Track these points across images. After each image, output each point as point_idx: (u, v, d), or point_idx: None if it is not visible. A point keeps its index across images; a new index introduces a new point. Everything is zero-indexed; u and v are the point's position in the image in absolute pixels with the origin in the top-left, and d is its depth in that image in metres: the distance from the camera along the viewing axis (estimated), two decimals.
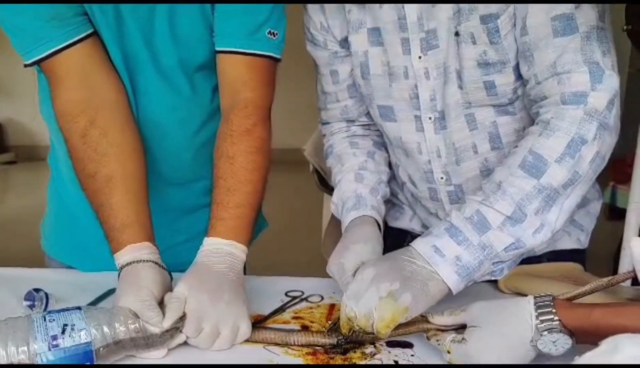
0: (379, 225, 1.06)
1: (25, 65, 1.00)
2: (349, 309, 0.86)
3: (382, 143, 1.20)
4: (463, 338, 0.79)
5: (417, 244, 0.89)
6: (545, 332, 0.73)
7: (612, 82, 0.87)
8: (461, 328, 0.81)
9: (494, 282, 1.06)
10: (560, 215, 0.88)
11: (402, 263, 0.87)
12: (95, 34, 1.01)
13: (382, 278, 0.85)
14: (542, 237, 0.87)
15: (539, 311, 0.74)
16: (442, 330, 0.83)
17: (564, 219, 0.88)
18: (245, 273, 0.98)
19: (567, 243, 1.12)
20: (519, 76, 0.96)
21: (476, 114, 1.01)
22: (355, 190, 1.09)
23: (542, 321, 0.73)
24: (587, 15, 0.87)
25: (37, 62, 0.98)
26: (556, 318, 0.73)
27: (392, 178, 1.23)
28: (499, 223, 0.87)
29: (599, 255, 1.82)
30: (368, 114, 1.17)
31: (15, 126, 7.04)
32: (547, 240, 0.88)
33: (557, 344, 0.73)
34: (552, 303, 0.74)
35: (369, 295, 0.84)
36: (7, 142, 7.00)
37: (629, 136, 1.33)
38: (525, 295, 0.80)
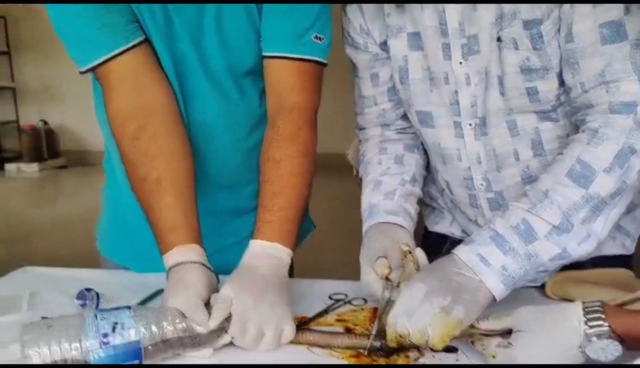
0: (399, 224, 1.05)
1: (81, 73, 1.04)
2: (401, 326, 0.83)
3: (416, 145, 1.18)
4: (509, 343, 0.78)
5: (461, 252, 0.88)
6: (594, 338, 0.71)
7: None
8: (506, 333, 0.80)
9: (541, 287, 1.04)
10: (605, 225, 0.87)
11: (450, 275, 0.86)
12: (146, 40, 1.04)
13: (433, 294, 0.84)
14: (587, 247, 0.87)
15: (588, 316, 0.73)
16: (487, 335, 0.82)
17: (609, 229, 0.87)
18: (292, 276, 0.98)
19: (612, 249, 1.10)
20: (562, 82, 0.94)
21: (518, 120, 1.00)
22: (370, 201, 1.09)
23: (591, 327, 0.72)
24: (636, 22, 0.85)
25: (91, 69, 1.02)
26: (606, 324, 0.71)
27: (432, 182, 1.22)
28: (545, 233, 0.86)
29: None
30: (404, 117, 1.16)
31: (66, 132, 7.28)
32: (592, 250, 0.87)
33: (607, 351, 0.71)
34: (601, 309, 0.73)
35: (422, 311, 0.83)
36: (58, 148, 7.24)
37: None
38: (572, 300, 0.78)
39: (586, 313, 0.73)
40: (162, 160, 1.01)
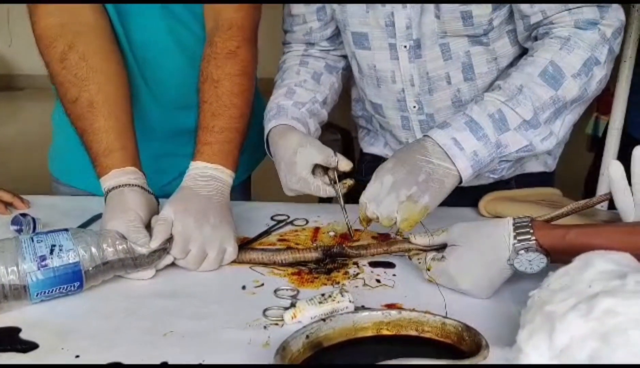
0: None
1: None
2: (370, 212, 0.90)
3: (337, 68, 1.19)
4: (443, 256, 0.81)
5: (436, 135, 0.91)
6: (522, 251, 0.75)
7: (619, 14, 0.93)
8: (442, 248, 0.84)
9: (475, 206, 1.09)
10: (562, 127, 0.94)
11: (419, 164, 0.89)
12: None
13: (400, 185, 0.88)
14: (548, 144, 0.94)
15: (517, 231, 0.76)
16: (424, 250, 0.86)
17: (564, 133, 0.95)
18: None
19: (535, 167, 1.17)
20: (495, 7, 0.97)
21: (451, 43, 1.02)
22: (278, 103, 1.09)
23: (519, 240, 0.75)
24: None
25: None
26: (533, 238, 0.75)
27: (363, 108, 1.24)
28: (516, 125, 0.91)
29: (579, 184, 1.85)
30: (329, 39, 1.16)
31: None
32: (551, 149, 0.94)
33: (533, 263, 0.76)
34: (530, 224, 0.76)
35: (389, 201, 0.89)
36: None
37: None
38: (504, 217, 0.81)
39: (515, 228, 0.77)
40: (93, 81, 0.97)
